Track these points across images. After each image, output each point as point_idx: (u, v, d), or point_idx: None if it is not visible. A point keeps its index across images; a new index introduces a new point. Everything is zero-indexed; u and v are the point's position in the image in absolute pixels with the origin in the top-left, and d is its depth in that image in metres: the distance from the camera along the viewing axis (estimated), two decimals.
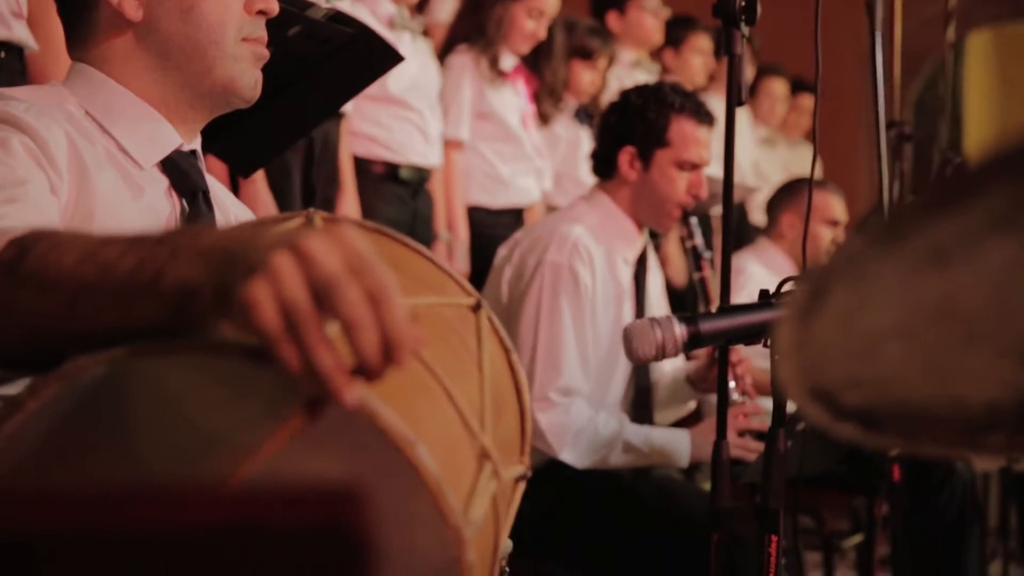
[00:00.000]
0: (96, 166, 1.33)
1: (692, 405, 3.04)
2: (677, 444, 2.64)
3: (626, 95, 2.79)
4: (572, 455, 2.61)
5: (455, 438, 1.04)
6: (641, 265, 2.80)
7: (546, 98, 4.03)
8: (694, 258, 2.77)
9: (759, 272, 3.84)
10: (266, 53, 1.44)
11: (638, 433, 2.64)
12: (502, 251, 2.85)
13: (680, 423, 3.05)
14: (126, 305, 0.95)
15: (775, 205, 4.09)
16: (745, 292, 3.75)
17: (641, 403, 2.78)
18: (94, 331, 0.97)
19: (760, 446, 2.62)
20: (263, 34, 1.44)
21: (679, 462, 2.67)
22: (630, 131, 2.72)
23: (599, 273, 2.68)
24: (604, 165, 2.78)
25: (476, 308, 1.15)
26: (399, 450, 0.90)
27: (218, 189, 1.53)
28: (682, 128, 2.71)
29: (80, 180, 1.31)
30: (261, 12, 1.43)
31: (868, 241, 0.62)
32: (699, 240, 2.77)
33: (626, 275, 2.77)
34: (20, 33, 2.17)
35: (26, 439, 0.94)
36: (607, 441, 2.61)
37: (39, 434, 0.94)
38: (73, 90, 1.41)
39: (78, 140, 1.33)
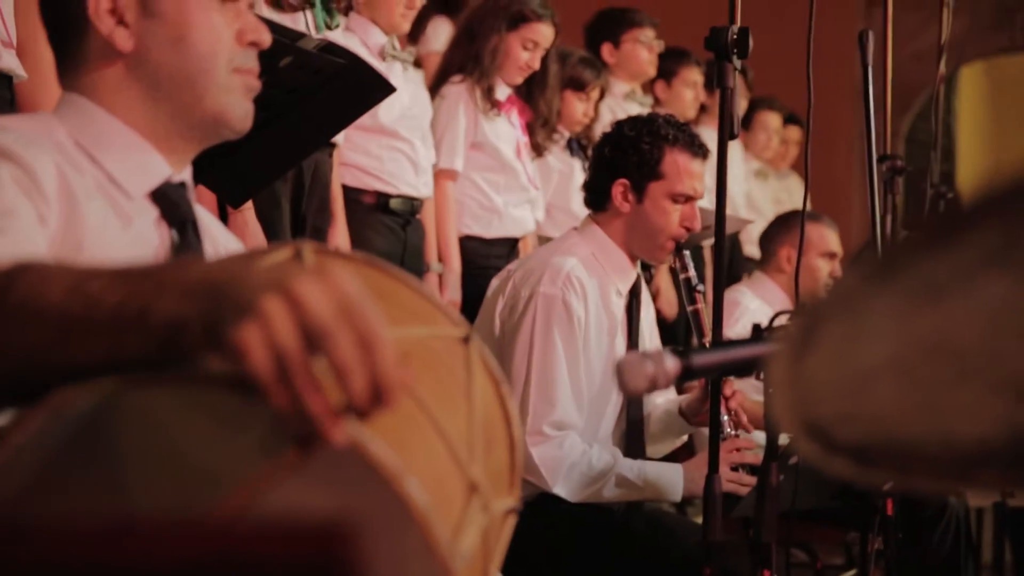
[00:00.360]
0: (85, 196, 1.33)
1: (684, 438, 3.03)
2: (670, 478, 2.63)
3: (619, 127, 2.78)
4: (565, 489, 2.59)
5: (443, 471, 1.04)
6: (634, 297, 2.79)
7: (540, 129, 4.03)
8: (687, 291, 2.76)
9: (755, 305, 3.84)
10: (257, 84, 1.44)
11: (631, 467, 2.63)
12: (494, 282, 2.84)
13: (672, 456, 3.04)
14: (113, 339, 0.95)
15: (771, 238, 4.09)
16: (740, 325, 3.75)
17: (633, 436, 2.77)
18: (81, 364, 0.96)
19: (753, 480, 2.62)
20: (254, 65, 1.43)
21: (672, 496, 2.65)
22: (623, 163, 2.72)
23: (592, 305, 2.67)
24: (597, 197, 2.78)
25: (465, 340, 1.15)
26: (388, 483, 0.91)
27: (208, 219, 1.52)
28: (676, 160, 2.70)
29: (69, 210, 1.30)
30: (252, 43, 1.42)
31: (862, 277, 0.61)
32: (692, 273, 2.76)
33: (619, 307, 2.76)
34: (9, 62, 2.17)
35: (11, 473, 0.93)
36: (600, 474, 2.60)
37: (25, 468, 0.93)
38: (63, 120, 1.41)
39: (67, 170, 1.32)
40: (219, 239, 1.51)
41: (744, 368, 1.39)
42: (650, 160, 2.70)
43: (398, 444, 0.94)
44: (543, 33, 3.80)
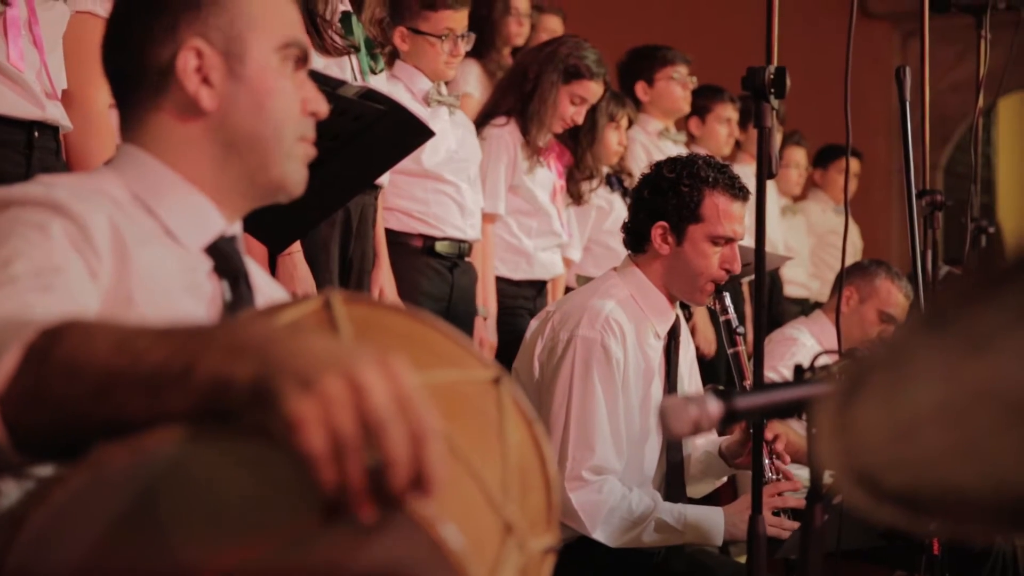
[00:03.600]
0: (139, 244, 1.33)
1: (724, 479, 3.00)
2: (712, 522, 2.61)
3: (659, 168, 2.77)
4: (605, 534, 2.58)
5: (478, 512, 1.05)
6: (672, 339, 2.78)
7: (581, 180, 4.04)
8: (728, 333, 2.74)
9: (811, 344, 3.82)
10: (313, 152, 1.46)
11: (671, 511, 2.61)
12: (533, 324, 2.84)
13: (714, 495, 3.02)
14: (156, 394, 0.96)
15: (842, 279, 4.05)
16: (795, 361, 3.70)
17: (674, 478, 2.75)
18: (122, 418, 0.98)
19: (794, 525, 2.60)
20: (313, 135, 1.46)
21: (714, 540, 2.63)
22: (663, 206, 2.71)
23: (630, 348, 2.66)
24: (636, 239, 2.77)
25: (496, 381, 1.16)
26: (423, 528, 0.93)
27: (255, 271, 1.54)
28: (715, 203, 2.69)
29: (121, 264, 1.30)
30: (312, 113, 1.45)
31: (909, 328, 0.62)
32: (732, 315, 2.74)
33: (656, 350, 2.74)
34: (54, 112, 2.21)
35: (56, 534, 0.94)
36: (640, 519, 2.58)
37: (69, 529, 0.94)
38: (121, 172, 1.41)
39: (121, 222, 1.33)
40: (265, 290, 1.52)
41: (787, 410, 1.38)
42: (690, 203, 2.68)
43: (442, 483, 0.95)
44: (593, 91, 3.81)
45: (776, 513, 2.56)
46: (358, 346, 0.97)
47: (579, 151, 3.98)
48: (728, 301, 2.73)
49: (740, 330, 2.73)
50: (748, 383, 2.67)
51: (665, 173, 2.73)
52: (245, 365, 0.94)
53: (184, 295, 1.35)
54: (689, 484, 2.83)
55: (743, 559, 2.39)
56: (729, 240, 2.70)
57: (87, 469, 0.94)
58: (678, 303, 2.80)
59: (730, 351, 2.73)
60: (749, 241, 2.42)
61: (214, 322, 1.07)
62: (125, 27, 1.44)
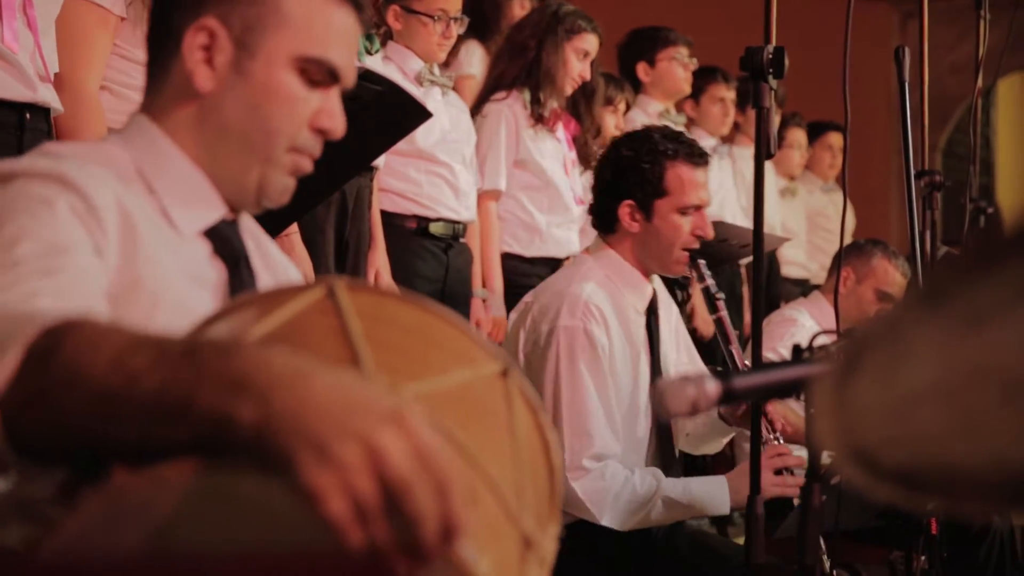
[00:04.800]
0: (145, 227, 1.31)
1: (731, 436, 2.99)
2: (716, 491, 2.61)
3: (617, 147, 2.76)
4: (613, 519, 2.57)
5: (499, 530, 1.04)
6: (652, 314, 2.78)
7: (589, 141, 4.05)
8: (708, 300, 2.73)
9: (810, 325, 3.82)
10: (307, 168, 1.42)
11: (675, 486, 2.61)
12: (513, 315, 2.83)
13: (709, 468, 3.02)
14: (153, 425, 0.95)
15: (840, 259, 4.06)
16: (794, 342, 3.71)
17: (665, 448, 2.74)
18: (118, 440, 0.96)
19: (800, 481, 2.61)
20: (314, 150, 1.41)
21: (721, 509, 2.63)
22: (627, 185, 2.70)
23: (613, 329, 2.65)
24: (605, 220, 2.77)
25: (504, 373, 1.15)
26: (457, 568, 0.93)
27: (271, 250, 1.52)
28: (678, 174, 2.68)
29: (130, 245, 1.28)
30: (321, 131, 1.40)
31: (907, 305, 0.62)
32: (711, 281, 2.74)
33: (639, 326, 2.75)
34: (45, 95, 2.20)
35: (67, 562, 0.92)
36: (646, 499, 2.58)
37: (83, 559, 0.92)
38: (128, 142, 1.39)
39: (128, 201, 1.30)
40: (278, 269, 1.51)
41: (785, 390, 1.38)
42: (652, 178, 2.68)
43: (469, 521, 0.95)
44: (591, 43, 3.87)
45: (779, 473, 2.56)
46: (370, 396, 0.94)
47: (579, 113, 4.00)
48: (704, 268, 2.72)
49: (720, 295, 2.72)
50: (733, 346, 2.68)
51: (624, 152, 2.73)
52: (247, 407, 0.91)
53: (187, 281, 1.33)
54: (695, 446, 2.82)
55: (741, 540, 2.39)
56: (697, 207, 2.69)
57: (102, 499, 0.92)
58: (654, 278, 2.79)
59: (713, 317, 2.73)
60: (747, 222, 2.42)
61: (206, 341, 1.04)
62: None
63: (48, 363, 1.00)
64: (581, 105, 4.00)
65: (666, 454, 2.75)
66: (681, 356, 2.90)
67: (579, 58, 3.83)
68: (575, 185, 3.97)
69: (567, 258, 3.96)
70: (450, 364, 1.11)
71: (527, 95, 3.79)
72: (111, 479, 0.93)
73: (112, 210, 1.27)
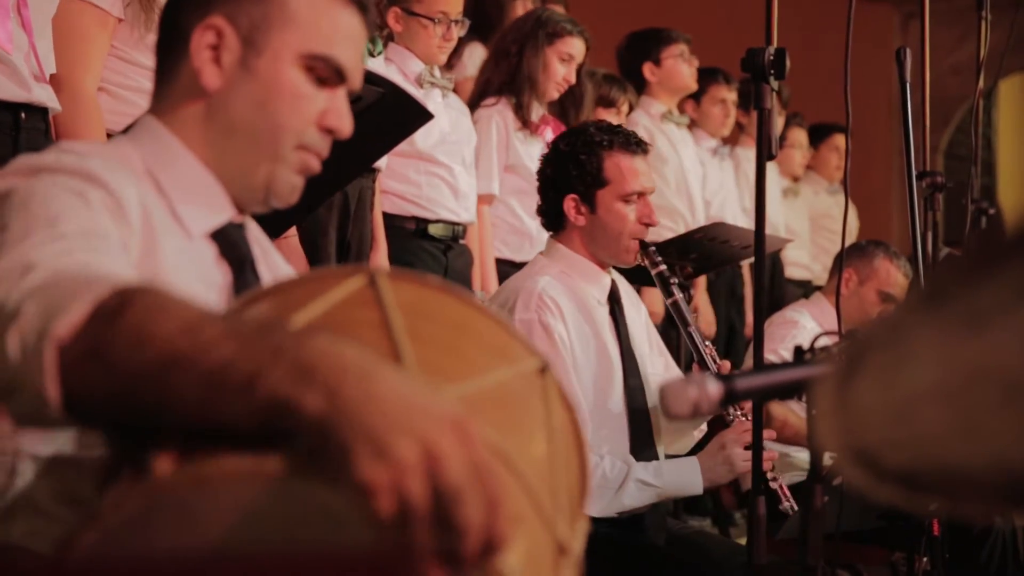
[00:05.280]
0: (160, 226, 1.31)
1: (703, 429, 2.99)
2: (687, 472, 2.62)
3: (555, 145, 2.80)
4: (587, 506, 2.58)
5: (534, 537, 1.04)
6: (615, 303, 2.78)
7: None
8: (663, 284, 2.75)
9: (811, 326, 3.82)
10: (316, 167, 1.42)
11: (646, 468, 2.62)
12: None
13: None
14: (214, 395, 0.94)
15: (841, 261, 4.05)
16: (796, 343, 3.70)
17: (640, 429, 2.74)
18: (175, 406, 0.95)
19: (774, 455, 2.64)
20: (322, 150, 1.42)
21: (694, 489, 2.63)
22: (567, 179, 2.73)
23: (570, 319, 2.66)
24: (552, 218, 2.80)
25: (542, 370, 1.15)
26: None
27: (273, 256, 1.52)
28: (616, 163, 2.71)
29: (151, 242, 1.29)
30: (329, 130, 1.41)
31: (908, 307, 0.62)
32: (663, 267, 2.75)
33: (603, 315, 2.76)
34: (41, 95, 2.20)
35: (104, 552, 0.92)
36: (615, 482, 2.59)
37: (118, 549, 0.92)
38: (138, 143, 1.39)
39: (147, 199, 1.31)
40: (280, 268, 1.51)
41: (787, 391, 1.38)
42: (591, 169, 2.71)
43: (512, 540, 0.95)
44: (577, 46, 3.84)
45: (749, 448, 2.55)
46: (435, 402, 0.94)
47: (567, 118, 3.98)
48: (655, 254, 2.74)
49: (674, 280, 2.74)
50: (692, 328, 2.71)
51: (561, 148, 2.76)
52: (314, 397, 0.91)
53: (198, 285, 1.33)
54: (668, 442, 2.83)
55: (743, 540, 2.39)
56: (640, 194, 2.72)
57: (143, 493, 0.92)
58: (611, 268, 2.80)
59: (668, 302, 2.75)
60: (749, 223, 2.42)
61: (281, 323, 1.03)
62: None
63: (117, 320, 0.99)
64: (570, 111, 3.98)
65: (642, 442, 2.74)
66: (656, 359, 2.90)
67: (562, 62, 3.81)
68: None
69: None
70: (490, 362, 1.11)
71: (514, 101, 3.79)
72: (152, 472, 0.92)
73: (136, 207, 1.28)
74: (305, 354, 0.93)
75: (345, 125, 1.41)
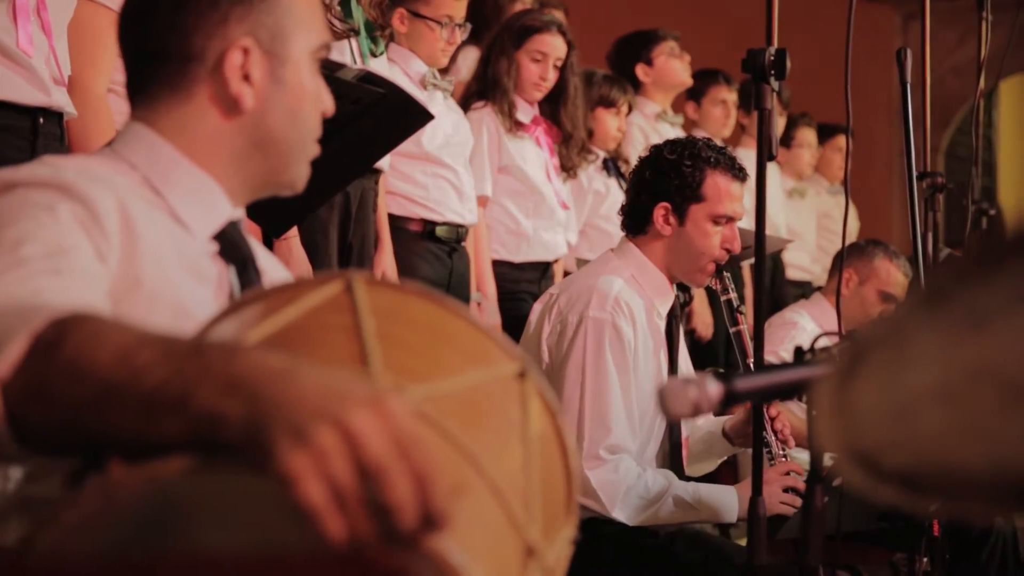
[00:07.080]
0: (147, 226, 1.30)
1: (724, 458, 3.02)
2: (726, 499, 2.64)
3: (659, 150, 2.79)
4: (624, 513, 2.60)
5: (500, 537, 1.04)
6: (673, 319, 2.79)
7: (568, 148, 3.98)
8: (729, 312, 2.76)
9: (811, 327, 3.82)
10: (318, 150, 1.45)
11: (686, 489, 2.64)
12: (537, 307, 2.84)
13: (714, 474, 3.03)
14: (150, 418, 0.96)
15: (841, 261, 4.05)
16: (796, 344, 3.70)
17: (674, 458, 2.77)
18: (116, 432, 0.97)
19: (796, 467, 2.66)
20: (320, 133, 1.45)
21: (727, 517, 2.65)
22: (665, 186, 2.72)
23: (640, 327, 2.68)
24: (637, 221, 2.78)
25: (522, 375, 1.14)
26: (437, 565, 0.91)
27: (260, 253, 1.53)
28: (717, 182, 2.71)
29: (130, 246, 1.28)
30: (324, 112, 1.44)
31: (908, 307, 0.62)
32: (733, 295, 2.77)
33: (659, 329, 2.77)
34: (59, 99, 2.19)
35: (62, 553, 0.93)
36: (657, 497, 2.61)
37: (76, 548, 0.93)
38: (129, 153, 1.38)
39: (129, 203, 1.30)
40: (269, 271, 1.51)
41: (787, 392, 1.38)
42: (692, 182, 2.70)
43: (454, 514, 0.94)
44: (549, 43, 3.76)
45: (787, 491, 2.58)
46: (351, 385, 0.94)
47: (556, 118, 3.94)
48: (729, 280, 2.75)
49: (741, 309, 2.75)
50: (751, 360, 2.69)
51: (666, 154, 2.75)
52: (236, 405, 0.93)
53: (190, 279, 1.33)
54: (690, 463, 2.84)
55: (743, 541, 2.40)
56: (730, 219, 2.73)
57: (98, 492, 0.93)
58: (676, 285, 2.80)
59: (732, 330, 2.75)
60: (749, 224, 2.43)
61: (212, 342, 1.05)
62: (166, 6, 1.38)
63: (53, 353, 1.01)
64: (560, 110, 3.94)
65: (675, 460, 2.76)
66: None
67: (536, 62, 3.76)
68: (559, 190, 3.95)
69: (555, 261, 3.96)
70: (464, 365, 1.11)
71: (495, 106, 3.78)
72: (108, 473, 0.94)
73: (113, 213, 1.27)
74: (232, 369, 0.95)
75: (330, 104, 1.44)
